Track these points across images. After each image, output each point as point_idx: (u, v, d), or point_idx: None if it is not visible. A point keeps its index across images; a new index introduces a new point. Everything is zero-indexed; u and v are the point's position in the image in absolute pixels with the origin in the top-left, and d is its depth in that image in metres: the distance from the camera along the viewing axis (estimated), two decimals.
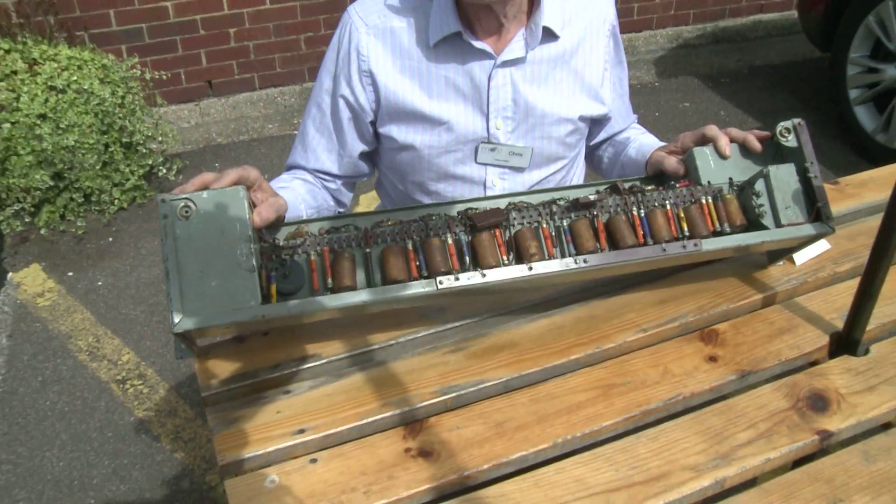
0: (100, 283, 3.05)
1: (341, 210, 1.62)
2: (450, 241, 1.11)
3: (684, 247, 1.15)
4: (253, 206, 1.09)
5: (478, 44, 1.38)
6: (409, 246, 1.10)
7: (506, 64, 1.41)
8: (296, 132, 3.96)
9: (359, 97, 1.45)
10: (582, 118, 1.50)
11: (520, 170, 1.50)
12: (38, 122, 3.05)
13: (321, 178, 1.55)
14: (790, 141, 1.23)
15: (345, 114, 1.48)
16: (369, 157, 1.58)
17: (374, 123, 1.49)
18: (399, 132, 1.46)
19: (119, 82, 3.33)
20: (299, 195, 1.42)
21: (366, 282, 1.11)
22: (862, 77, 3.74)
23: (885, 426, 1.14)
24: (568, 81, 1.47)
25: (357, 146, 1.52)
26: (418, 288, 1.05)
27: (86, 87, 3.17)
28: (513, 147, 1.47)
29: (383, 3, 1.43)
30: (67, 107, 3.11)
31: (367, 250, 1.11)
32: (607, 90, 1.53)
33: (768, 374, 1.20)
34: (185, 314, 0.99)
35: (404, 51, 1.41)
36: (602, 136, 1.64)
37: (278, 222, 1.14)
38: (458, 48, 1.40)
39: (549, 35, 1.42)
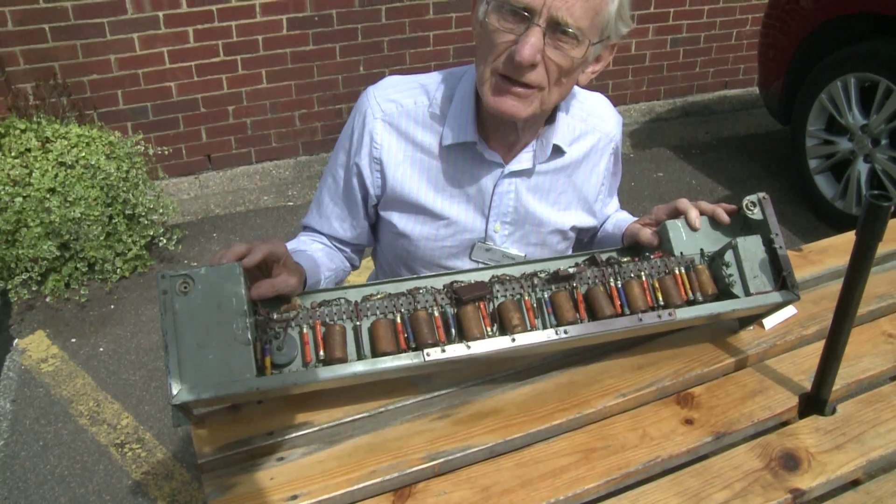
0: (101, 350, 3.02)
1: (355, 270, 1.63)
2: (436, 313, 1.11)
3: (659, 316, 1.15)
4: (268, 275, 1.11)
5: (489, 154, 1.39)
6: (398, 319, 1.10)
7: (513, 174, 1.42)
8: (290, 203, 4.04)
9: (366, 180, 1.44)
10: (574, 228, 1.52)
11: None
12: (48, 195, 3.06)
13: (334, 243, 1.56)
14: (756, 214, 1.24)
15: (357, 192, 1.47)
16: (375, 229, 1.59)
17: (376, 206, 1.49)
18: (399, 220, 1.46)
19: (124, 157, 3.35)
20: (320, 258, 1.44)
21: (356, 353, 1.10)
22: (819, 148, 3.82)
23: (854, 483, 1.13)
24: (567, 193, 1.48)
25: (367, 220, 1.53)
26: (406, 360, 1.05)
27: (93, 163, 3.19)
28: (506, 252, 1.47)
29: (403, 92, 1.41)
30: (75, 181, 3.13)
31: (358, 323, 1.11)
32: (599, 204, 1.55)
33: (742, 435, 1.19)
34: (183, 386, 0.98)
35: (416, 144, 1.40)
36: (590, 233, 1.66)
37: (284, 297, 1.14)
38: (470, 155, 1.40)
39: (557, 151, 1.43)
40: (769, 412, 1.21)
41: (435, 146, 1.40)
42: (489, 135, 1.39)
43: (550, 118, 1.40)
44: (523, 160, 1.41)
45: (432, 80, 1.42)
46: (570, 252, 1.62)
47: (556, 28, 1.18)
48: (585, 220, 1.53)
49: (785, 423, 1.23)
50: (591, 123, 1.47)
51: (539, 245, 1.50)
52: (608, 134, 1.50)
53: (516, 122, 1.32)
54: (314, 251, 1.46)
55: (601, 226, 1.63)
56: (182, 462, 2.51)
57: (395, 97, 1.41)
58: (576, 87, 1.48)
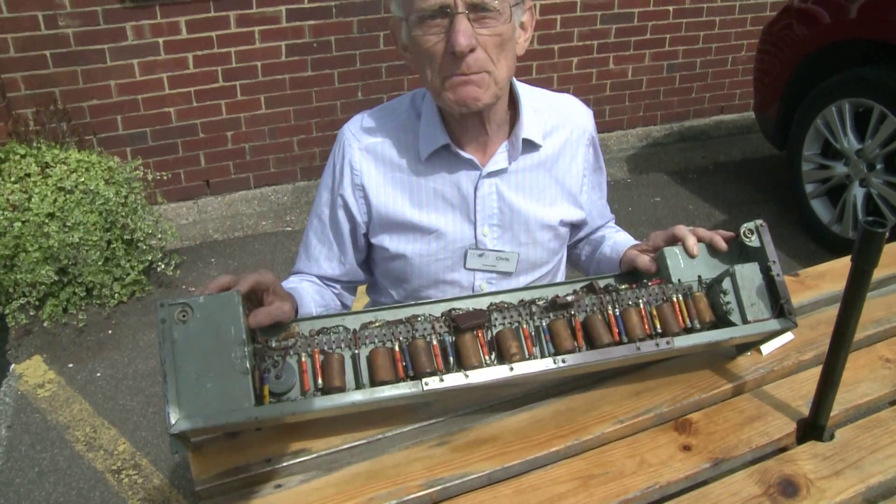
0: (98, 375, 3.01)
1: (346, 309, 1.63)
2: (434, 342, 1.11)
3: (657, 345, 1.15)
4: (260, 305, 1.12)
5: (465, 154, 1.41)
6: (396, 347, 1.10)
7: (491, 175, 1.44)
8: (288, 228, 4.05)
9: (352, 209, 1.47)
10: (562, 223, 1.53)
11: (507, 275, 1.51)
12: (47, 220, 3.07)
13: (325, 283, 1.57)
14: (753, 241, 1.25)
15: (344, 225, 1.50)
16: (367, 264, 1.60)
17: (366, 235, 1.51)
18: (391, 242, 1.48)
19: (123, 183, 3.36)
20: (309, 294, 1.44)
21: (354, 382, 1.11)
22: (815, 173, 3.84)
23: None
24: (550, 188, 1.50)
25: (356, 254, 1.54)
26: (405, 389, 1.05)
27: (92, 188, 3.21)
28: (500, 252, 1.48)
29: (374, 121, 1.47)
30: (74, 206, 3.14)
31: (356, 351, 1.11)
32: (585, 196, 1.56)
33: (740, 462, 1.19)
34: (182, 415, 0.98)
35: (394, 165, 1.44)
36: (580, 235, 1.67)
37: (281, 324, 1.15)
38: (447, 160, 1.43)
39: (531, 145, 1.45)
40: (767, 438, 1.21)
41: (412, 163, 1.44)
42: (460, 139, 1.42)
43: (516, 115, 1.43)
44: (499, 161, 1.44)
45: (399, 104, 1.49)
46: (563, 252, 1.63)
47: (476, 9, 1.24)
48: (573, 213, 1.54)
49: (783, 449, 1.22)
50: (563, 116, 1.50)
51: (530, 244, 1.51)
52: (580, 126, 1.52)
53: (481, 111, 1.35)
54: (303, 288, 1.46)
55: (599, 247, 1.63)
56: (179, 488, 2.49)
57: (368, 125, 1.48)
58: (545, 90, 1.53)
